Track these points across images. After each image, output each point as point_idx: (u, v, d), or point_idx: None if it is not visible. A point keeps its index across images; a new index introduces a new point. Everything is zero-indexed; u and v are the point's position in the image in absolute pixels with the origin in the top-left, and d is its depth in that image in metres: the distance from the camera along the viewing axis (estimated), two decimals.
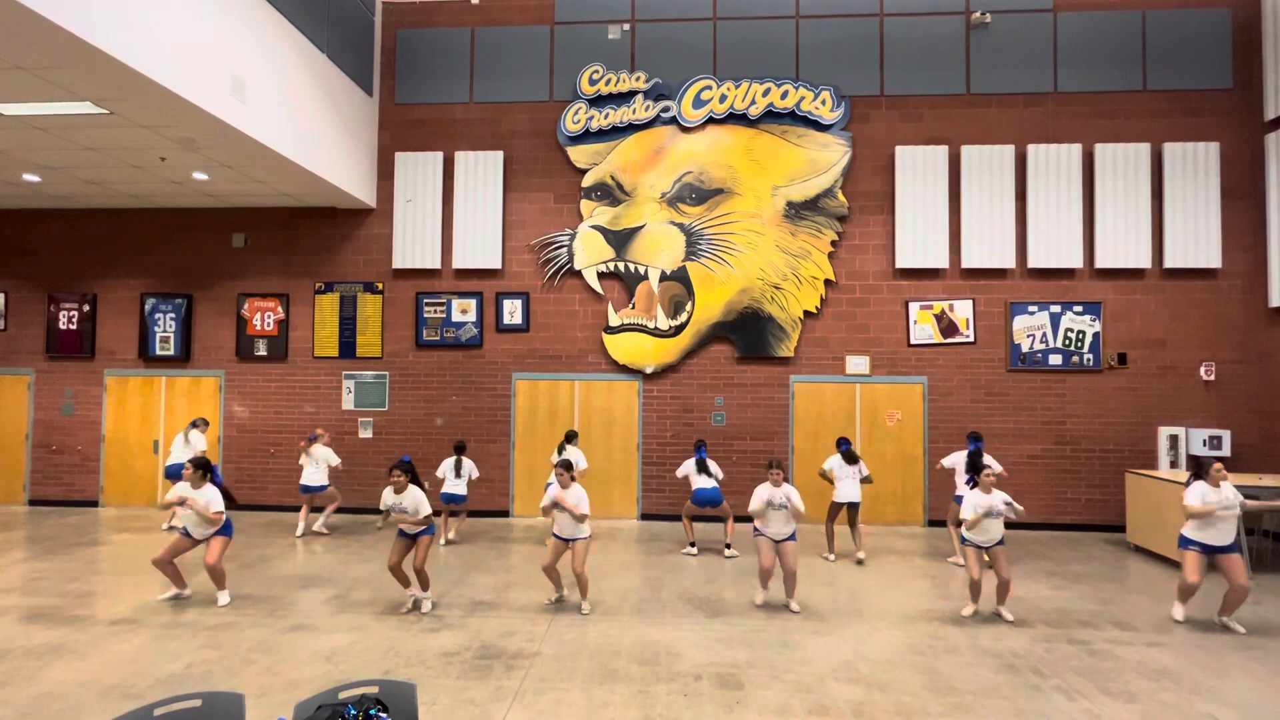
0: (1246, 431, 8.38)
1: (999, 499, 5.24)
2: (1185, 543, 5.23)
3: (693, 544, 7.28)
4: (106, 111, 6.11)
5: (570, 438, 7.52)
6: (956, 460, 6.96)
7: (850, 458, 6.93)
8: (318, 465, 7.80)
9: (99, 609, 5.29)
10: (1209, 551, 5.13)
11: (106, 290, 9.47)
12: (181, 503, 5.34)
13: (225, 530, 5.52)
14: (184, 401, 9.30)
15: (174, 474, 7.69)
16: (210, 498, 5.36)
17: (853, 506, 6.92)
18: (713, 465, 7.16)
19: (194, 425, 7.98)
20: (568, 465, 5.32)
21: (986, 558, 5.33)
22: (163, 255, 9.44)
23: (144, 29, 5.30)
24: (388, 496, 5.26)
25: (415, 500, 5.21)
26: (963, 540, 5.42)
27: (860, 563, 6.86)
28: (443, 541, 7.48)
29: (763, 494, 5.41)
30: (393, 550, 5.30)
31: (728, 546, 7.19)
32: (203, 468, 5.43)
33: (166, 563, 5.39)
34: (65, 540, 7.45)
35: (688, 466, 7.18)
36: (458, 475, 7.44)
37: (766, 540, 5.48)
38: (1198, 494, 5.16)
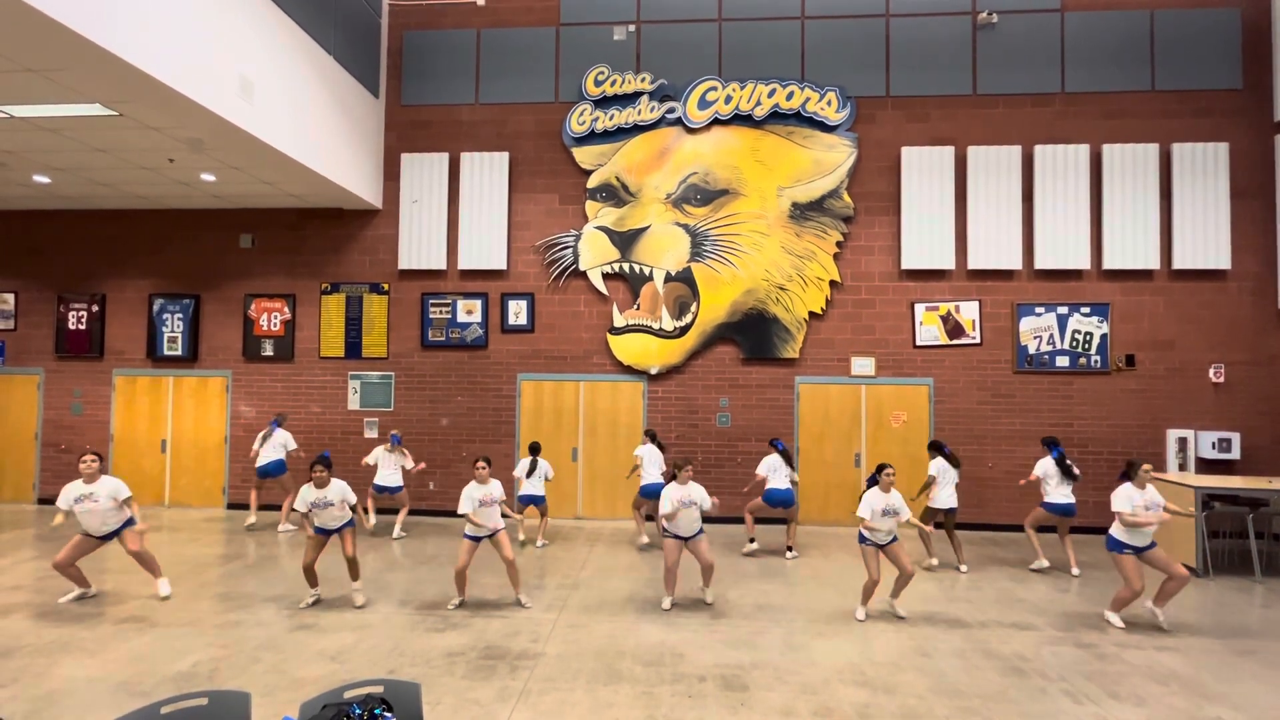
0: (1257, 434, 8.31)
1: (897, 499, 5.24)
2: (1119, 546, 5.12)
3: (752, 539, 7.35)
4: (115, 113, 6.16)
5: (652, 437, 7.71)
6: (1045, 468, 6.71)
7: (954, 460, 6.78)
8: (392, 467, 7.83)
9: (107, 607, 5.32)
10: (1140, 553, 5.09)
11: (115, 291, 9.53)
12: (69, 513, 5.32)
13: (130, 522, 5.53)
14: (191, 401, 9.36)
15: (268, 472, 7.95)
16: (115, 485, 5.40)
17: (950, 512, 6.77)
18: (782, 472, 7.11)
19: (279, 423, 8.13)
20: (489, 460, 5.52)
21: (882, 556, 5.32)
22: (171, 256, 9.50)
23: (152, 31, 5.34)
24: (308, 494, 5.23)
25: (341, 490, 5.32)
26: (861, 540, 5.36)
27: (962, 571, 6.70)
28: (539, 543, 7.51)
29: (675, 494, 5.39)
30: (308, 549, 5.33)
31: (790, 549, 7.17)
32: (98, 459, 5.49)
33: (69, 565, 5.36)
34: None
35: (768, 464, 7.10)
36: (530, 476, 7.44)
37: (674, 541, 5.47)
38: (1126, 498, 5.10)
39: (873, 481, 5.39)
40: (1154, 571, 5.15)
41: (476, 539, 5.41)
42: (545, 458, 7.72)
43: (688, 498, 5.41)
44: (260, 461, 7.97)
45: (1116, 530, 5.17)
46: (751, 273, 8.79)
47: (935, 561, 6.80)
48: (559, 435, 8.97)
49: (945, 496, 6.71)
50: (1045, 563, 6.74)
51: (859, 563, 6.90)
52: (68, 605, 5.34)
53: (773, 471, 7.03)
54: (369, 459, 7.84)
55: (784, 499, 6.97)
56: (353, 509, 5.42)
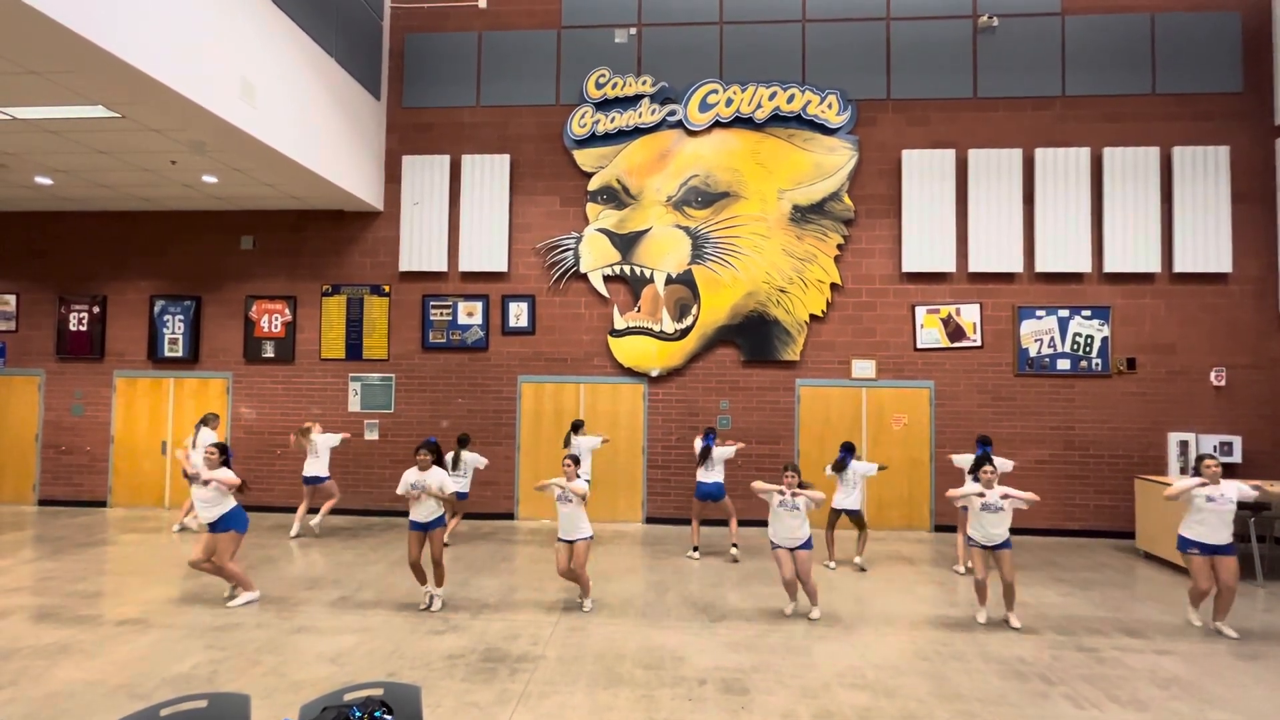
0: (1258, 438, 8.29)
1: (995, 494, 5.23)
2: (1185, 544, 5.17)
3: (695, 548, 7.23)
4: (118, 115, 6.17)
5: (576, 428, 7.70)
6: (965, 462, 6.78)
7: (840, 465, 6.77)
8: (318, 455, 7.83)
9: (107, 609, 5.32)
10: (1208, 552, 5.07)
11: (116, 292, 9.54)
12: (195, 478, 5.41)
13: (230, 523, 5.42)
14: (192, 403, 9.36)
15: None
16: (224, 473, 5.43)
17: (851, 513, 6.79)
18: (718, 453, 7.04)
19: (204, 423, 8.03)
20: (576, 460, 5.50)
21: (991, 561, 5.29)
22: (172, 257, 9.51)
23: (156, 34, 5.35)
24: (409, 475, 5.38)
25: (440, 478, 5.40)
26: (969, 540, 5.39)
27: (863, 570, 6.79)
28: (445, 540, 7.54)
29: (775, 499, 5.28)
30: (410, 545, 5.36)
31: (734, 547, 7.14)
32: (223, 451, 5.55)
33: (204, 561, 5.42)
34: (74, 540, 7.50)
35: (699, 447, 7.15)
36: (454, 470, 7.24)
37: (783, 551, 5.29)
38: (1182, 484, 5.21)
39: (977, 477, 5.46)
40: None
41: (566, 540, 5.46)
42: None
43: (790, 501, 5.25)
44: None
45: (1183, 526, 5.21)
46: (752, 275, 8.79)
47: (834, 565, 6.86)
48: (559, 437, 8.95)
49: (842, 498, 6.72)
50: (963, 569, 6.74)
51: (858, 566, 6.90)
52: (74, 604, 5.33)
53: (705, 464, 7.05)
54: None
55: (711, 492, 6.97)
56: (444, 501, 5.47)
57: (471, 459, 7.49)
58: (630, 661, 4.45)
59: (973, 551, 5.31)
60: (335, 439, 7.98)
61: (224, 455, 5.53)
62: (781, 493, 5.25)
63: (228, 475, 5.40)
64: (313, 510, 8.09)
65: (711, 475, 7.04)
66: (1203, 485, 5.10)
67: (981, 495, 5.25)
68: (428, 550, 5.43)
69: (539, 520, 8.88)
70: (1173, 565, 6.96)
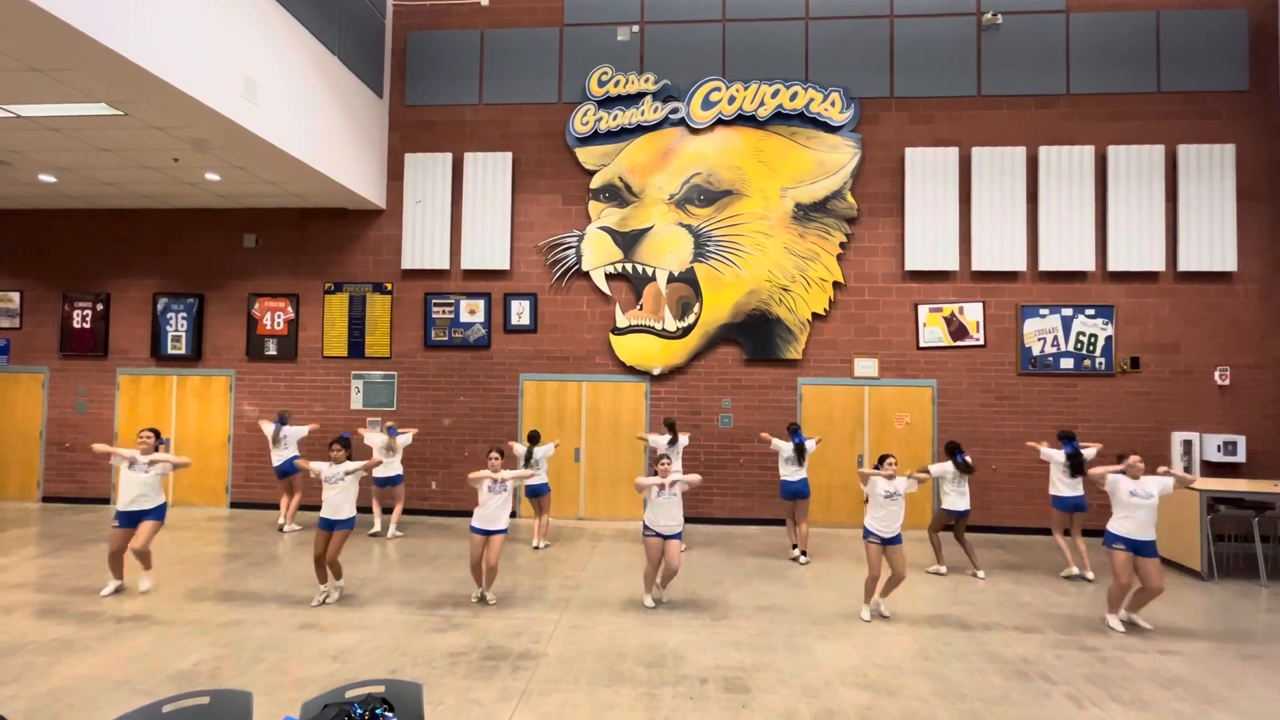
0: (1262, 437, 8.26)
1: (900, 483, 5.27)
2: (1111, 539, 5.20)
3: (795, 546, 7.12)
4: (120, 113, 6.18)
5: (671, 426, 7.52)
6: (1051, 455, 6.65)
7: (966, 467, 6.44)
8: (395, 453, 7.73)
9: (109, 605, 5.34)
10: (1132, 548, 5.07)
11: (120, 290, 9.56)
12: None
13: (160, 514, 5.73)
14: (195, 400, 9.38)
15: (285, 471, 7.92)
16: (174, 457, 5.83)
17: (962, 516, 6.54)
18: (810, 446, 6.92)
19: (283, 421, 8.05)
20: (502, 453, 5.62)
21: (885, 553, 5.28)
22: (175, 255, 9.52)
23: (159, 31, 5.35)
24: (325, 467, 5.48)
25: (339, 471, 5.47)
26: (865, 534, 5.35)
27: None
28: (538, 544, 7.39)
29: (653, 492, 5.46)
30: (316, 541, 5.40)
31: (803, 553, 7.01)
32: (157, 437, 5.88)
33: (126, 550, 5.66)
34: (77, 537, 7.52)
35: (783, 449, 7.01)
36: (528, 466, 7.19)
37: (656, 540, 5.43)
38: (1112, 479, 5.24)
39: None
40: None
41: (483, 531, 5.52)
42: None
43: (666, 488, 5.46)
44: (281, 460, 7.94)
45: (1110, 522, 5.28)
46: (754, 273, 8.78)
47: (944, 569, 6.76)
48: (561, 436, 8.95)
49: (958, 500, 6.58)
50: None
51: (861, 566, 6.88)
52: (77, 600, 5.36)
53: (783, 460, 7.01)
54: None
55: (799, 490, 6.87)
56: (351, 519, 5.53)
57: (542, 453, 7.38)
58: (632, 660, 4.45)
59: (868, 547, 5.30)
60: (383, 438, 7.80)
61: (158, 440, 5.82)
62: (660, 486, 5.40)
63: (176, 457, 5.75)
64: (386, 511, 8.14)
65: (800, 473, 6.92)
66: (1120, 473, 5.22)
67: (890, 478, 5.28)
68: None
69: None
70: (1176, 565, 6.93)
